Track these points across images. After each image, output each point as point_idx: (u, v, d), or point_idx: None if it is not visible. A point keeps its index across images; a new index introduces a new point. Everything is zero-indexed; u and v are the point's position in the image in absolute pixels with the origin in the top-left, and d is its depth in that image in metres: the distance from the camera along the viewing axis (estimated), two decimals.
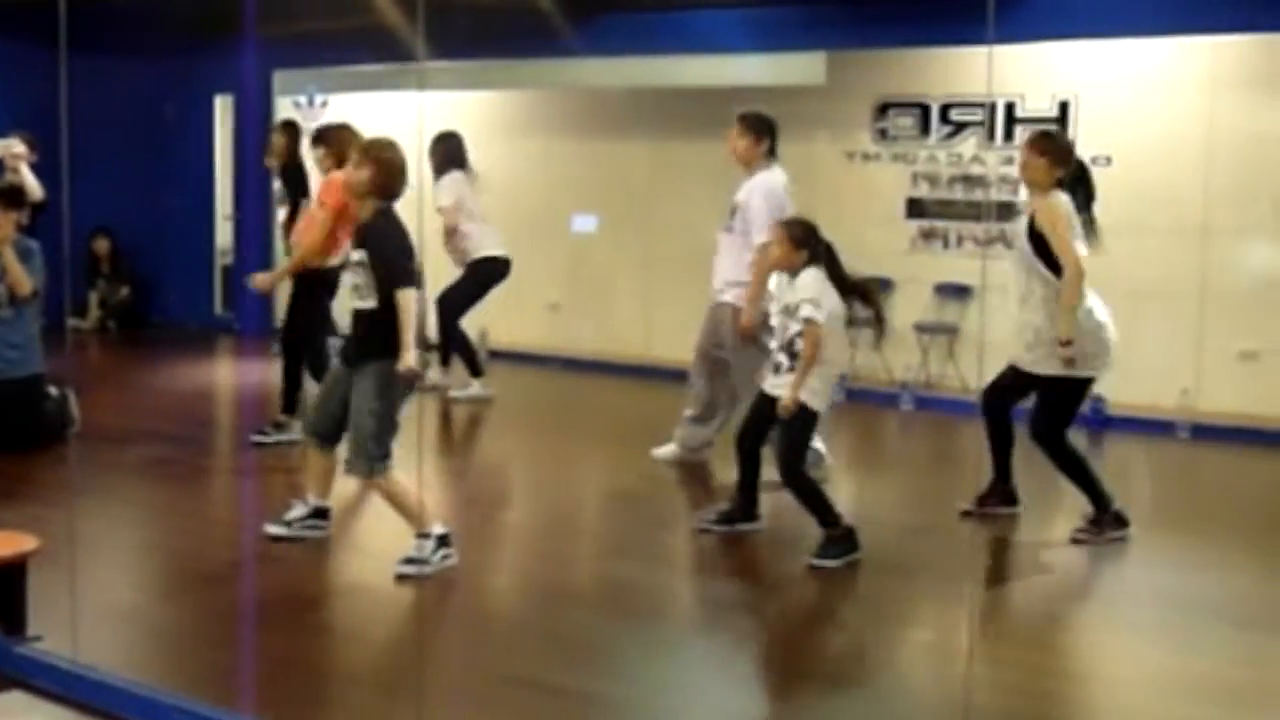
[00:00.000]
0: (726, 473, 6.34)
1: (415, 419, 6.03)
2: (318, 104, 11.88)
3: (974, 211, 9.47)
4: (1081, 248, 5.73)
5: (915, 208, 9.73)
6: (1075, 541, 5.85)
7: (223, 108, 12.58)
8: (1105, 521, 5.87)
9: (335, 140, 7.05)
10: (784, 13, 9.69)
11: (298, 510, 5.65)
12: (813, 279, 5.49)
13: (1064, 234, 5.71)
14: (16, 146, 8.81)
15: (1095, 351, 5.79)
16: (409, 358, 5.09)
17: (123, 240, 12.27)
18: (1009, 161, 9.22)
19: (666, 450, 7.27)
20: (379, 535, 5.75)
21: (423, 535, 5.23)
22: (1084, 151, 8.82)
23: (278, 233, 8.94)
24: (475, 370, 9.06)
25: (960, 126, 9.54)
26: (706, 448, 7.20)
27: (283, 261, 7.94)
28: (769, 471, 5.92)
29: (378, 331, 5.16)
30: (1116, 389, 7.92)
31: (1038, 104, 9.16)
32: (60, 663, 4.10)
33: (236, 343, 11.82)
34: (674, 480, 7.09)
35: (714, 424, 7.15)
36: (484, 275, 8.81)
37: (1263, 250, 8.58)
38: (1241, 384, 8.58)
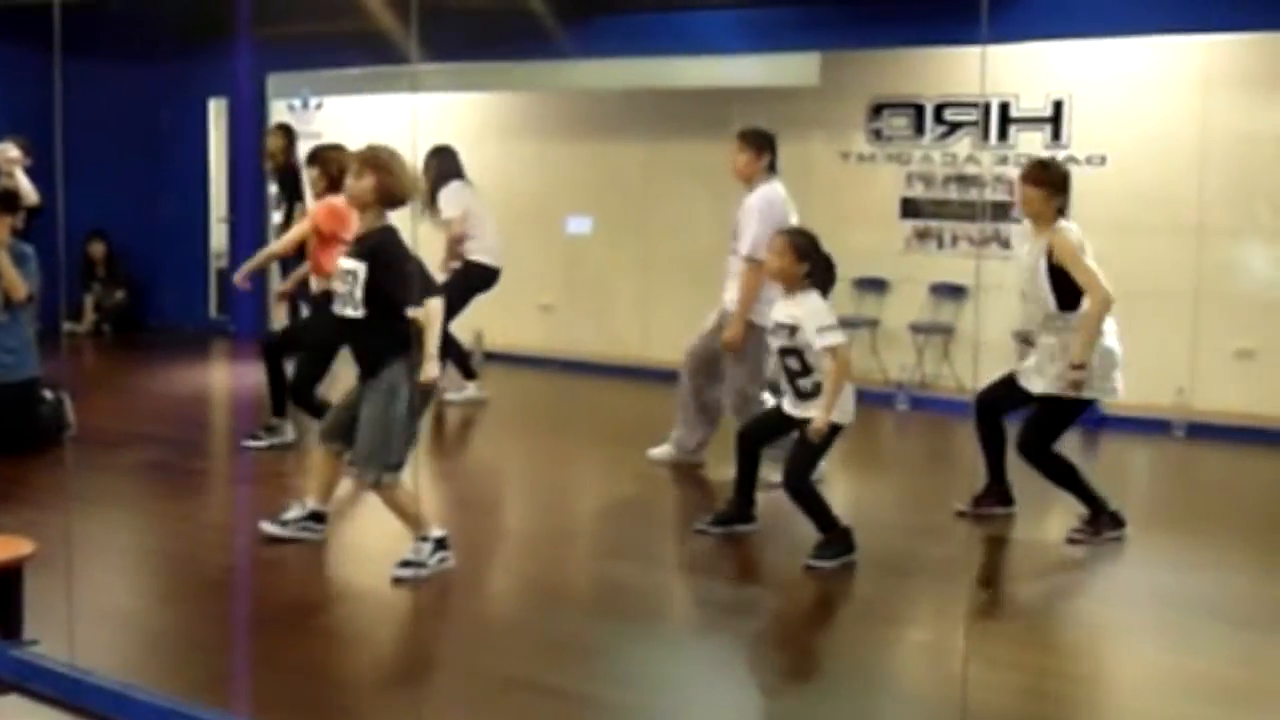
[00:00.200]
0: (723, 473, 6.34)
1: None
2: (312, 107, 11.88)
3: (969, 211, 9.47)
4: (1100, 274, 5.72)
5: (910, 208, 9.72)
6: (1071, 542, 5.85)
7: (217, 111, 12.56)
8: (1101, 521, 5.87)
9: (326, 161, 6.97)
10: (778, 13, 9.69)
11: (295, 511, 5.64)
12: (819, 302, 5.47)
13: (1087, 266, 5.70)
14: (11, 151, 8.83)
15: (1102, 374, 5.80)
16: (431, 368, 5.08)
17: (118, 244, 12.26)
18: (1003, 161, 9.25)
19: (662, 451, 7.27)
20: (375, 538, 5.74)
21: (421, 538, 5.22)
22: (1078, 151, 8.95)
23: (273, 235, 8.92)
24: (468, 373, 9.03)
25: (954, 126, 9.54)
26: (702, 449, 7.20)
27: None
28: (765, 471, 5.94)
29: (379, 341, 5.14)
30: None
31: (1032, 104, 9.17)
32: (57, 667, 4.09)
33: (232, 346, 11.80)
34: (670, 481, 7.08)
35: (710, 425, 7.15)
36: (475, 280, 8.68)
37: (1258, 249, 8.60)
38: (1237, 383, 8.58)
